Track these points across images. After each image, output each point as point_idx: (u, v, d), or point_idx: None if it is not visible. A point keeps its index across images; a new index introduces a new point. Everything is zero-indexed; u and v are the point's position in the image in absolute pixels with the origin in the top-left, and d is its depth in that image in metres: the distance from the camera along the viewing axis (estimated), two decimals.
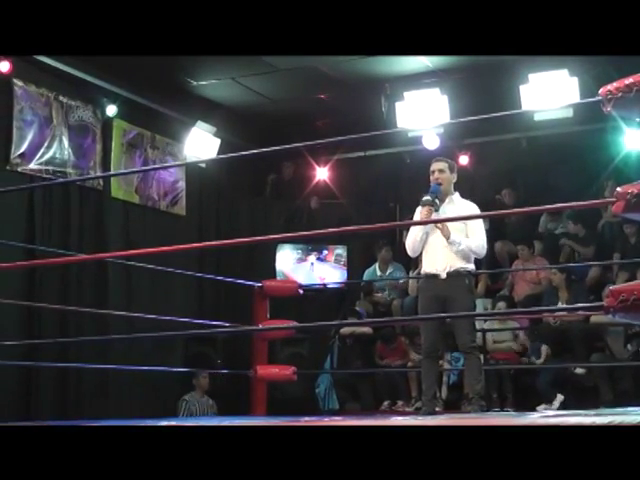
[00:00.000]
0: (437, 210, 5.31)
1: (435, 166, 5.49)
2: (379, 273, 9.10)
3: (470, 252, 5.38)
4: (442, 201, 5.40)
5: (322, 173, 9.79)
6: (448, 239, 5.29)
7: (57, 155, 7.46)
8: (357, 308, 8.83)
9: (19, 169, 7.10)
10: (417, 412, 6.73)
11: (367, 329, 8.64)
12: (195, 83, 8.48)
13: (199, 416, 7.73)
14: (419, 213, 5.36)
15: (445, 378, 7.80)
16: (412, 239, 5.46)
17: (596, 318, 7.21)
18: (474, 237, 5.38)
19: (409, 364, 8.16)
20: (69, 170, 7.56)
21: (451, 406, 7.34)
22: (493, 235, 8.49)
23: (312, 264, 9.63)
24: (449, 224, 5.33)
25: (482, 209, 5.83)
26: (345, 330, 8.66)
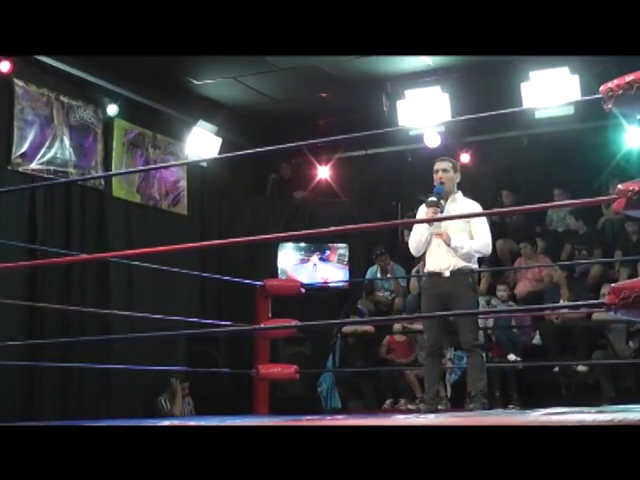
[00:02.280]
0: (442, 211, 5.29)
1: (439, 165, 5.46)
2: (380, 275, 9.11)
3: (475, 253, 5.37)
4: (445, 200, 5.39)
5: (324, 172, 9.80)
6: (449, 246, 5.28)
7: (58, 155, 7.47)
8: (359, 307, 8.83)
9: (20, 169, 7.11)
10: (419, 411, 6.73)
11: (369, 328, 8.65)
12: (196, 82, 8.48)
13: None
14: (424, 214, 5.34)
15: (447, 376, 7.80)
16: (417, 239, 5.43)
17: (598, 315, 7.21)
18: (478, 237, 5.36)
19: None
20: (70, 170, 7.56)
21: (453, 404, 7.33)
22: (495, 233, 8.45)
23: (315, 265, 9.62)
24: (451, 225, 5.32)
25: (484, 207, 5.82)
26: (347, 329, 8.66)
